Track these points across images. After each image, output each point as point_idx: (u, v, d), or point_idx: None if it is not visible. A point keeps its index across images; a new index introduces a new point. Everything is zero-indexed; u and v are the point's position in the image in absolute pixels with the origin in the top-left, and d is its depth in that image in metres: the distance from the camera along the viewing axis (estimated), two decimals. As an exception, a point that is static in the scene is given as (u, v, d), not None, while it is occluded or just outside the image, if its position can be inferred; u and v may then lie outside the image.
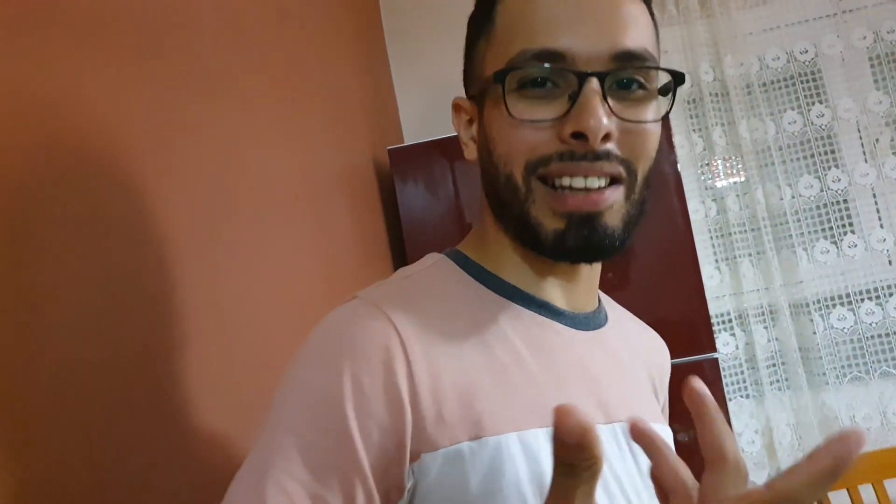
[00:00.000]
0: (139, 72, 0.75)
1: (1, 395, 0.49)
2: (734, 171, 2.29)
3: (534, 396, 0.54)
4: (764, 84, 2.30)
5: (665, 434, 0.65)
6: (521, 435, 0.51)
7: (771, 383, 2.19)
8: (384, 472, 0.48)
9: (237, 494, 0.47)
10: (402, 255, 1.89)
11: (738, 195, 2.27)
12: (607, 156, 0.53)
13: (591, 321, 0.63)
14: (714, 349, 1.73)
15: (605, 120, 0.51)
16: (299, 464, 0.46)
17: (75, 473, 0.54)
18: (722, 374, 2.19)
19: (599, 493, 0.53)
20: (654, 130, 0.57)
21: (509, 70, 0.53)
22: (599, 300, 0.68)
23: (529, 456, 0.50)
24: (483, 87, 0.58)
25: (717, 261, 2.26)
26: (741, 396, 2.21)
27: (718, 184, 2.28)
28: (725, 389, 2.19)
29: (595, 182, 0.53)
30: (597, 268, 0.64)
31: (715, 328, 2.23)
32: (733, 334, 2.22)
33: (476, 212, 0.66)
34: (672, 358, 1.73)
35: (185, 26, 0.87)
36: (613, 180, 0.54)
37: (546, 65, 0.52)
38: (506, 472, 0.49)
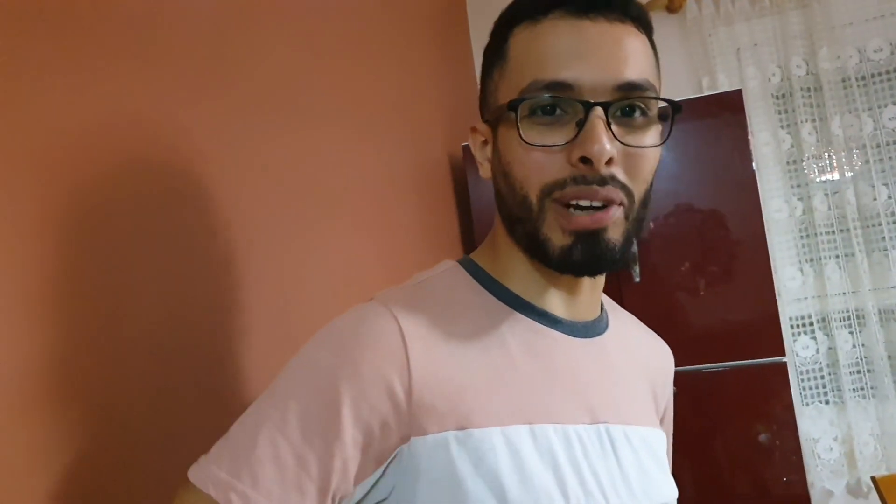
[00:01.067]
0: (224, 97, 0.87)
1: (96, 376, 0.62)
2: (824, 170, 2.20)
3: (521, 396, 0.59)
4: (863, 77, 2.19)
5: (656, 438, 0.69)
6: (504, 430, 0.57)
7: (854, 390, 2.11)
8: (366, 446, 0.56)
9: (235, 434, 0.56)
10: (473, 250, 1.97)
11: (826, 194, 2.18)
12: (612, 179, 0.58)
13: (589, 329, 0.68)
14: (782, 353, 1.71)
15: (608, 145, 0.56)
16: (293, 425, 0.54)
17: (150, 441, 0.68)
18: (799, 378, 2.14)
19: (576, 489, 0.58)
20: (654, 154, 0.62)
21: (522, 100, 0.59)
22: (603, 308, 0.72)
23: (511, 450, 0.56)
24: (497, 113, 0.64)
25: (800, 262, 2.19)
26: (820, 402, 2.15)
27: (807, 182, 2.20)
28: (803, 394, 2.14)
29: (599, 203, 0.59)
30: (600, 279, 0.69)
31: (794, 331, 2.17)
32: (814, 338, 2.16)
33: (491, 225, 0.72)
34: (735, 360, 1.73)
35: (259, 50, 0.99)
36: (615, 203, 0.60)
37: (554, 95, 0.58)
38: (487, 462, 0.55)
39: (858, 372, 2.12)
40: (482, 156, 0.69)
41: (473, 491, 0.55)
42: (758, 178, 2.15)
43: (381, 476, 0.57)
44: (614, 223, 0.59)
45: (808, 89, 2.21)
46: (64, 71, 0.64)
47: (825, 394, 2.14)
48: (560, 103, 0.59)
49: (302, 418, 0.55)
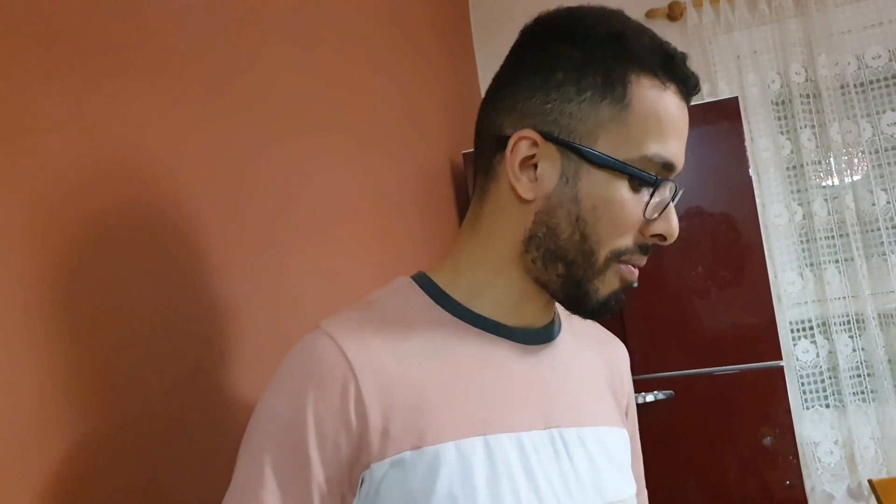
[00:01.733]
0: (223, 103, 0.91)
1: (97, 368, 0.66)
2: (824, 175, 2.22)
3: (475, 409, 0.61)
4: (861, 84, 2.21)
5: (613, 437, 0.70)
6: (458, 444, 0.59)
7: (854, 394, 2.12)
8: (339, 480, 0.58)
9: (228, 501, 0.59)
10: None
11: (826, 199, 2.20)
12: None
13: (541, 335, 0.69)
14: (779, 357, 1.73)
15: (677, 227, 0.64)
16: (271, 477, 0.57)
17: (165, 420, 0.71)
18: (800, 382, 2.16)
19: (529, 495, 0.59)
20: None
21: (661, 180, 0.61)
22: (556, 312, 0.73)
23: (464, 463, 0.58)
24: (598, 158, 0.60)
25: (801, 266, 2.21)
26: (821, 405, 2.16)
27: (807, 187, 2.22)
28: (803, 398, 2.16)
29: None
30: None
31: (794, 335, 2.19)
32: (814, 342, 2.17)
33: (465, 243, 0.68)
34: (733, 364, 1.75)
35: (258, 56, 1.03)
36: None
37: (668, 178, 0.62)
38: (440, 476, 0.57)
39: (859, 376, 2.14)
40: (524, 172, 0.63)
41: None
42: (758, 183, 2.19)
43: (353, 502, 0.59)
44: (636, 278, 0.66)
45: (808, 96, 2.23)
46: (57, 80, 0.68)
47: (826, 398, 2.16)
48: (670, 184, 0.63)
49: (277, 470, 0.58)
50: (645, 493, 0.83)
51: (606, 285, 0.64)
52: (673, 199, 0.63)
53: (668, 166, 0.62)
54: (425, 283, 0.68)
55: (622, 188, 0.61)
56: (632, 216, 0.62)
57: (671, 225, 0.63)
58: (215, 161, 0.89)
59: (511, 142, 0.63)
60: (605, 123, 0.61)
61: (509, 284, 0.66)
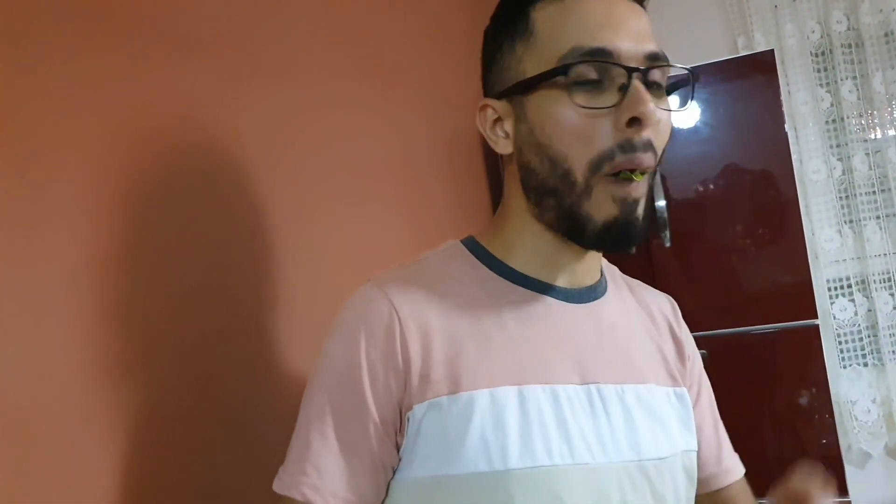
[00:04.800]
0: (251, 77, 0.92)
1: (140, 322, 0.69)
2: (865, 128, 2.14)
3: (512, 360, 0.63)
4: (907, 31, 2.12)
5: (657, 395, 0.70)
6: (492, 391, 0.61)
7: (893, 352, 2.09)
8: (392, 421, 0.63)
9: (293, 442, 0.64)
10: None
11: (867, 154, 2.13)
12: (651, 146, 0.62)
13: (584, 294, 0.70)
14: (815, 316, 1.70)
15: (652, 106, 0.60)
16: (332, 417, 0.63)
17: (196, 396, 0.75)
18: (837, 340, 2.13)
19: (560, 444, 0.61)
20: (671, 121, 0.66)
21: (572, 64, 0.60)
22: (602, 272, 0.74)
23: (496, 409, 0.61)
24: (527, 85, 0.63)
25: (839, 223, 2.16)
26: (858, 364, 2.13)
27: (847, 142, 2.15)
28: (840, 357, 2.13)
29: (640, 173, 0.63)
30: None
31: (831, 294, 2.15)
32: (852, 300, 2.13)
33: (500, 209, 0.72)
34: (767, 323, 1.73)
35: (283, 35, 1.03)
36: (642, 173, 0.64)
37: (600, 60, 0.60)
38: (474, 421, 0.60)
39: (899, 334, 2.10)
40: (495, 132, 0.69)
41: (461, 450, 0.60)
42: (795, 138, 2.13)
43: (403, 443, 0.63)
44: (642, 196, 0.63)
45: (849, 45, 2.15)
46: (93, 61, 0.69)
47: (864, 356, 2.13)
48: (605, 69, 0.61)
49: (337, 410, 0.63)
50: (727, 461, 0.82)
51: (599, 209, 0.62)
52: (649, 86, 0.61)
53: (598, 52, 0.60)
54: (471, 244, 0.72)
55: (560, 99, 0.62)
56: (580, 120, 0.61)
57: (637, 106, 0.59)
58: (247, 135, 0.90)
59: (477, 116, 0.70)
60: (522, 57, 0.65)
61: (535, 238, 0.68)
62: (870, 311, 2.12)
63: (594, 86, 0.61)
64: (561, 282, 0.69)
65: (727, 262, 1.77)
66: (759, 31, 2.20)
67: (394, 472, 0.64)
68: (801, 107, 2.16)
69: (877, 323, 2.10)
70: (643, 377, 0.71)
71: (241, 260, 0.86)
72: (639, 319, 0.76)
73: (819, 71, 2.20)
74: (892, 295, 2.10)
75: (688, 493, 0.71)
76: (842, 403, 2.11)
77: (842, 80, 2.14)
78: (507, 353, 0.64)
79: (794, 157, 1.80)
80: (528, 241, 0.69)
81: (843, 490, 1.64)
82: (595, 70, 0.61)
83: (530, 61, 0.64)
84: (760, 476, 1.89)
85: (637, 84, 0.60)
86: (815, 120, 2.17)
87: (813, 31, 2.19)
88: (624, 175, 0.61)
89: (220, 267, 0.82)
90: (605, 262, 0.75)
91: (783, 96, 1.77)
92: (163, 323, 0.73)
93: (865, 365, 2.12)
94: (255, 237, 0.89)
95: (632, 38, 0.62)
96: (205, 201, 0.81)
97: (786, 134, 1.73)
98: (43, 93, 0.62)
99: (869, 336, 2.13)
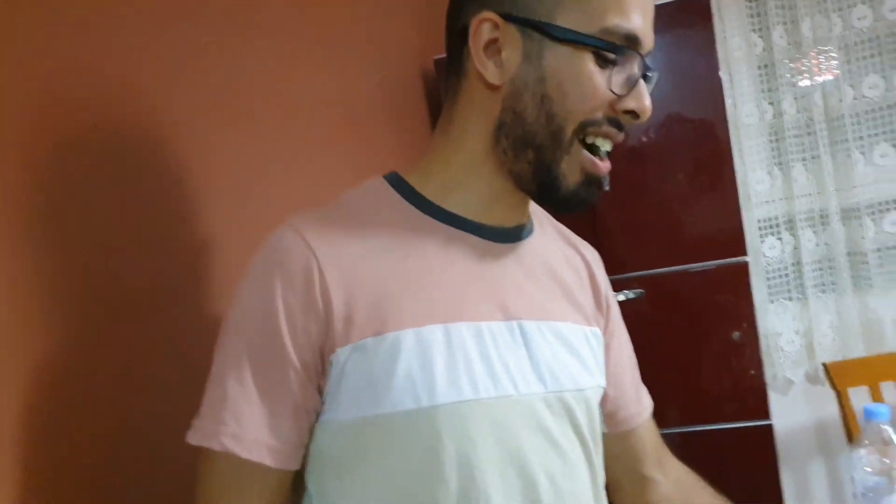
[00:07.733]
0: (182, 15, 0.89)
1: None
2: (795, 72, 2.22)
3: (437, 299, 0.64)
4: (834, -25, 2.18)
5: (575, 332, 0.73)
6: (417, 331, 0.62)
7: (815, 286, 2.22)
8: (313, 365, 0.62)
9: (208, 391, 0.63)
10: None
11: (795, 98, 2.22)
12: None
13: (510, 234, 0.71)
14: (744, 254, 1.79)
15: (650, 104, 0.65)
16: (248, 362, 0.61)
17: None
18: (766, 277, 2.25)
19: (485, 378, 0.63)
20: None
21: (624, 49, 0.61)
22: (529, 215, 0.75)
23: (422, 347, 0.61)
24: (558, 34, 0.61)
25: (770, 165, 2.25)
26: (784, 299, 2.26)
27: (777, 86, 2.23)
28: (769, 292, 2.25)
29: (609, 145, 0.67)
30: None
31: (761, 232, 2.26)
32: (780, 238, 2.25)
33: (438, 144, 0.70)
34: (698, 262, 1.81)
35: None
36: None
37: (633, 49, 0.62)
38: (400, 360, 0.60)
39: (821, 269, 2.23)
40: (490, 57, 0.64)
41: (387, 390, 0.60)
42: (730, 83, 2.19)
43: (326, 386, 0.63)
44: (605, 176, 0.68)
45: (781, -11, 2.20)
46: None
47: (789, 291, 2.26)
48: (630, 55, 0.63)
49: (254, 357, 0.61)
50: (645, 400, 0.86)
51: (569, 170, 0.64)
52: (645, 78, 0.64)
53: (631, 38, 0.62)
54: (396, 181, 0.70)
55: (588, 62, 0.62)
56: (600, 89, 0.62)
57: (642, 101, 0.64)
58: (176, 76, 0.88)
59: (472, 26, 0.64)
60: (563, 1, 0.62)
61: (481, 182, 0.68)
62: (795, 248, 2.25)
63: (611, 63, 0.63)
64: (489, 221, 0.69)
65: (662, 205, 1.84)
66: (696, -25, 2.23)
67: (317, 416, 0.63)
68: (735, 52, 2.22)
69: (801, 260, 2.22)
70: (563, 315, 0.73)
71: (171, 208, 0.85)
72: (561, 262, 0.77)
73: (751, 17, 2.25)
74: (815, 233, 2.22)
75: (599, 424, 0.75)
76: (769, 336, 2.24)
77: (773, 25, 2.20)
78: (433, 293, 0.64)
79: (727, 101, 1.86)
80: (473, 184, 0.68)
81: (765, 415, 1.76)
82: (622, 53, 0.62)
83: (572, 10, 0.62)
84: (694, 406, 2.00)
85: (645, 80, 0.64)
86: (749, 64, 2.23)
87: (747, -25, 2.23)
88: (598, 144, 0.65)
89: (150, 219, 0.81)
90: (534, 204, 0.75)
91: (718, 42, 1.81)
92: (94, 277, 0.73)
93: (790, 299, 2.26)
94: (182, 184, 0.87)
95: (649, 29, 0.65)
96: (128, 150, 0.80)
97: (720, 79, 1.79)
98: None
99: (794, 272, 2.26)
